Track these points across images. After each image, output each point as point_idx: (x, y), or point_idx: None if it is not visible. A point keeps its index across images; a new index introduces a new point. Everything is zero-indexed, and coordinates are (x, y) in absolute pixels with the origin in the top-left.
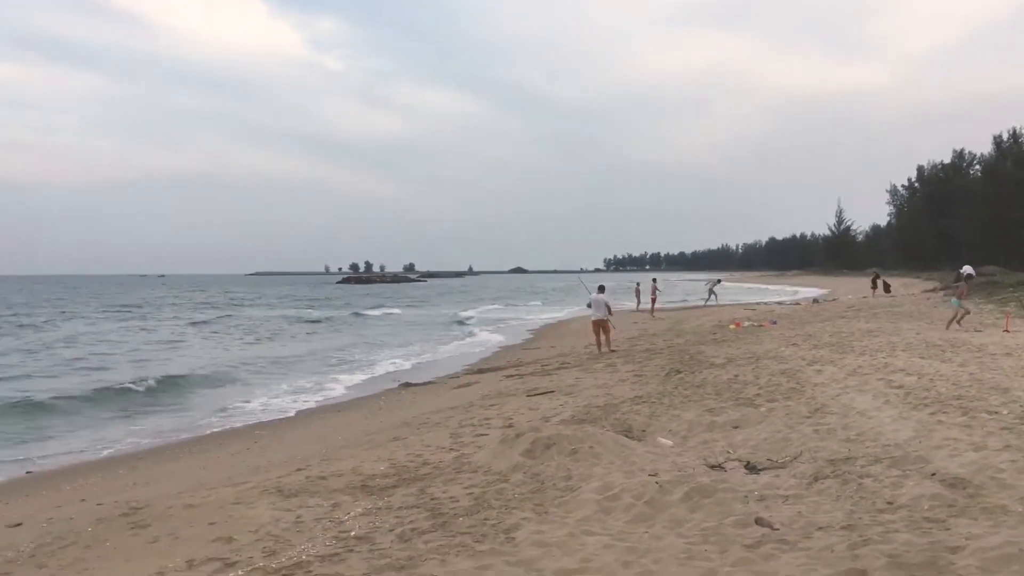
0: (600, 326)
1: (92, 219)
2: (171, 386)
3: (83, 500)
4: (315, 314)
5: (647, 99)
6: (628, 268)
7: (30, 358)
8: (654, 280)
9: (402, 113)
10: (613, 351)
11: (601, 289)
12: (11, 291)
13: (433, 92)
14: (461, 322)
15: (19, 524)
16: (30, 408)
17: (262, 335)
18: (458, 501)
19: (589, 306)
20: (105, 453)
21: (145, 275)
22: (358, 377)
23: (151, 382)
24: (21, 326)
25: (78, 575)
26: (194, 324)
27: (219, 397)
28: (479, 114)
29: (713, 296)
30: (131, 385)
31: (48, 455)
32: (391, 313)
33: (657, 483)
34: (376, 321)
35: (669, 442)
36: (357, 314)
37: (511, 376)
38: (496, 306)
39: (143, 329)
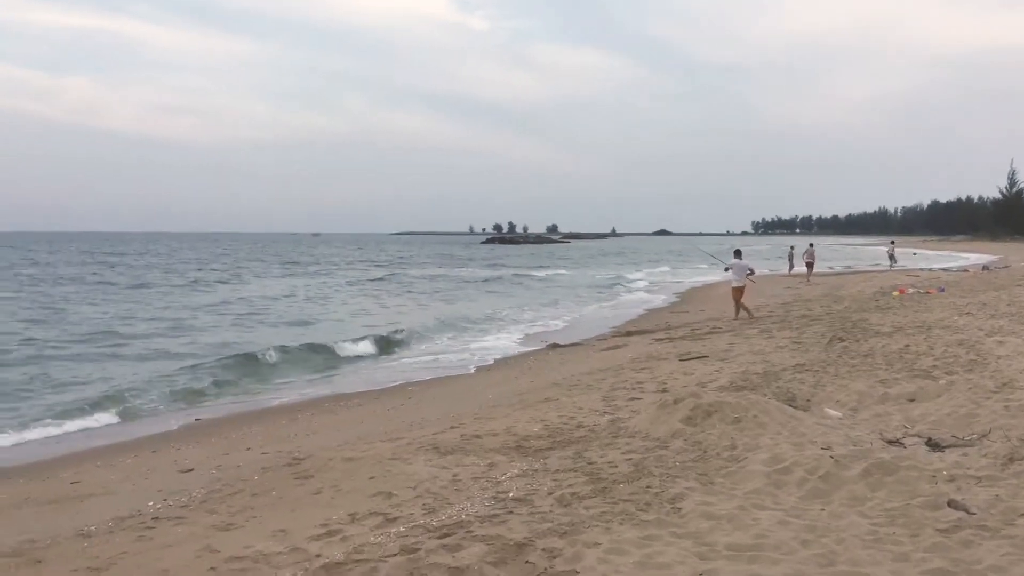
0: (740, 292)
1: (247, 179)
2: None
3: (248, 449)
4: (482, 273)
5: (797, 55)
6: (777, 232)
7: (247, 313)
8: (811, 245)
9: (546, 72)
10: (754, 318)
11: (738, 254)
12: (178, 248)
13: (577, 51)
14: (622, 284)
15: (191, 470)
16: (238, 361)
17: (439, 293)
18: (617, 467)
19: (727, 270)
20: (275, 403)
21: (296, 233)
22: (509, 337)
23: (362, 345)
24: (218, 282)
25: (247, 522)
26: (373, 281)
27: (395, 353)
28: (624, 73)
29: (893, 261)
30: (338, 344)
31: (221, 404)
32: (558, 274)
33: (832, 457)
34: (535, 283)
35: (838, 413)
36: (519, 275)
37: (660, 340)
38: (663, 268)
39: (334, 287)
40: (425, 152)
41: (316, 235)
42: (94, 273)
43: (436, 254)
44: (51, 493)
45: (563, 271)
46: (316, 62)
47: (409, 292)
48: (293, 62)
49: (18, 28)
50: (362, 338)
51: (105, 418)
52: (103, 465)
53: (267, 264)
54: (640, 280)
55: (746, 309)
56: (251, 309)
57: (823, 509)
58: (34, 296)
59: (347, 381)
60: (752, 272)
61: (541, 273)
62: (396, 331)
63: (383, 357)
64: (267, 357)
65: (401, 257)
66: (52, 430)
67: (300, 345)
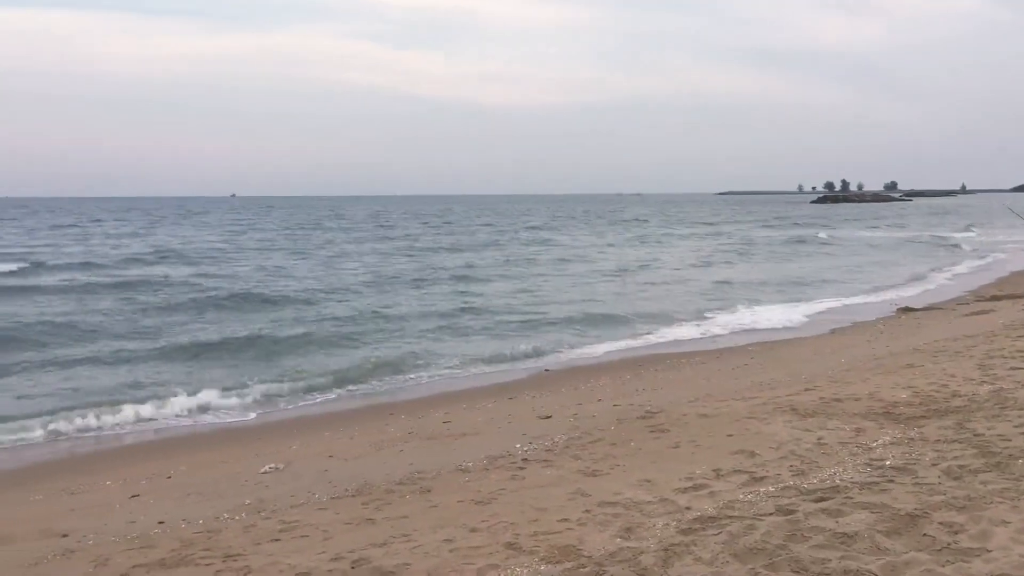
0: None
1: (569, 142)
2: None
3: (599, 400)
4: (822, 234)
5: None
6: None
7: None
8: None
9: (883, 16)
10: None
11: None
12: (529, 209)
13: None
14: (955, 244)
15: (549, 417)
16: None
17: (771, 254)
18: (1010, 440)
19: None
20: (617, 357)
21: (621, 193)
22: (847, 300)
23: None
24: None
25: (611, 470)
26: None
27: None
28: (981, 15)
29: None
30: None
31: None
32: (890, 236)
33: None
34: (869, 242)
35: None
36: (846, 235)
37: None
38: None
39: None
40: (748, 108)
41: (637, 195)
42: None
43: (765, 215)
44: (428, 430)
45: (900, 232)
46: (638, 23)
47: (740, 252)
48: (616, 24)
49: (381, 8)
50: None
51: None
52: (468, 408)
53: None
54: (986, 239)
55: None
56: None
57: None
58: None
59: (685, 338)
60: None
61: (874, 233)
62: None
63: (717, 316)
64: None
65: (724, 218)
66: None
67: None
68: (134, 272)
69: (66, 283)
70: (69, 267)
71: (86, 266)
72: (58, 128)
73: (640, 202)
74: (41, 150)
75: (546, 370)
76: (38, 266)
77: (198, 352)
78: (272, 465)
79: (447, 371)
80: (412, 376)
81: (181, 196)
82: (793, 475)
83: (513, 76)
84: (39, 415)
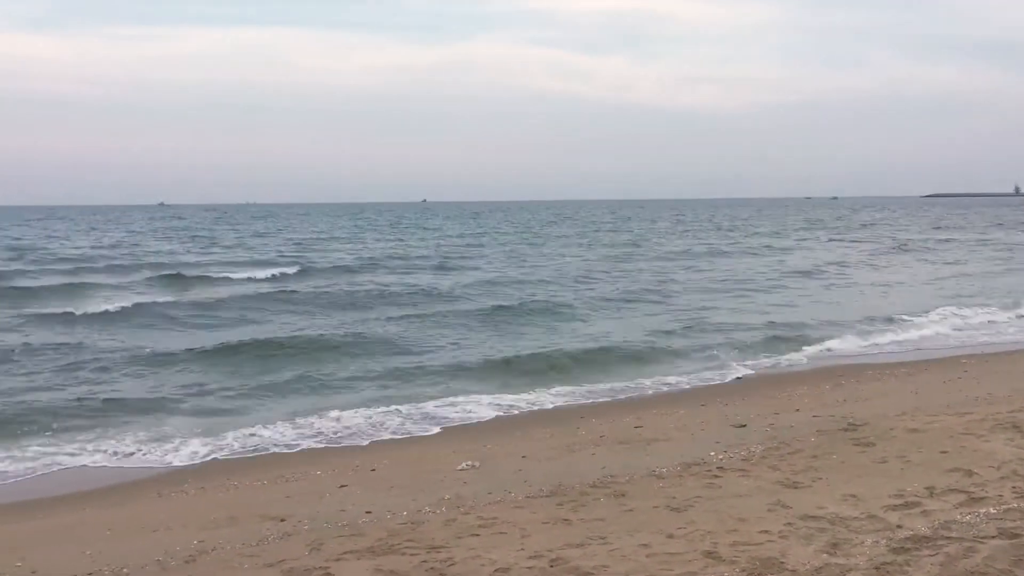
0: None
1: (764, 143)
2: None
3: (797, 410)
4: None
5: None
6: None
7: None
8: None
9: None
10: None
11: None
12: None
13: None
14: None
15: (743, 426)
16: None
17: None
18: None
19: None
20: (815, 366)
21: (809, 197)
22: None
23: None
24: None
25: (813, 483)
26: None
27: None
28: None
29: None
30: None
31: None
32: None
33: None
34: None
35: None
36: None
37: None
38: None
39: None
40: (956, 105)
41: (834, 199)
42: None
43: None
44: (620, 434)
45: None
46: (836, 18)
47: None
48: (813, 21)
49: (562, 16)
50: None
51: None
52: (659, 414)
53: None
54: None
55: None
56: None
57: None
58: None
59: (897, 346)
60: None
61: None
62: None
63: (932, 323)
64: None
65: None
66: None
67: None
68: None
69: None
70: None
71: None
72: (292, 140)
73: (836, 205)
74: (278, 160)
75: (738, 378)
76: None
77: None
78: (469, 463)
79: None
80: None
81: (376, 202)
82: (1017, 497)
83: (698, 77)
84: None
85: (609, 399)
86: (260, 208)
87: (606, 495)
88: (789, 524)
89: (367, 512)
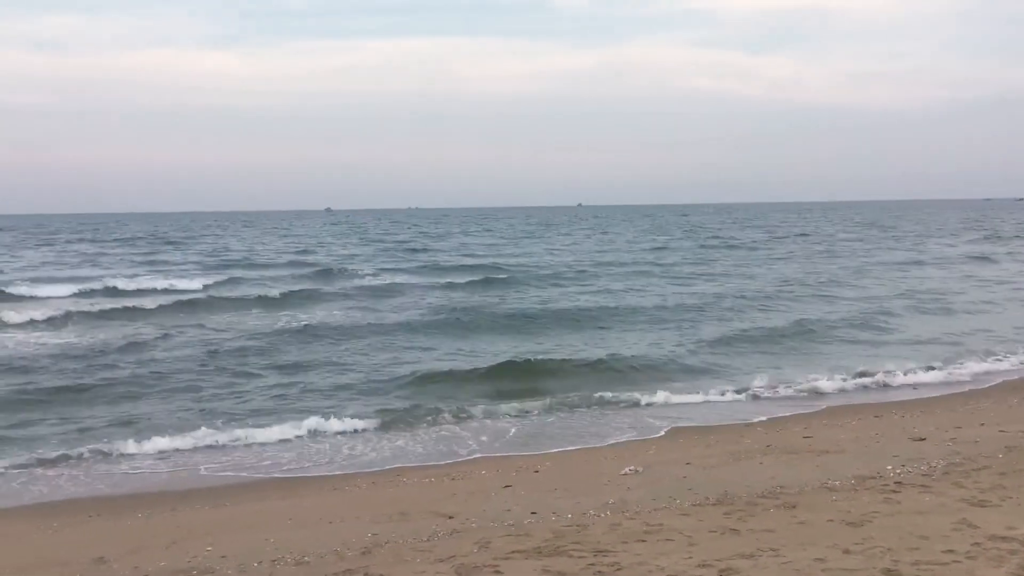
0: None
1: (933, 143)
2: None
3: (982, 424)
4: None
5: None
6: None
7: None
8: None
9: None
10: None
11: None
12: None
13: None
14: None
15: (923, 439)
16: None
17: None
18: None
19: None
20: (998, 380)
21: (990, 199)
22: None
23: None
24: None
25: (1002, 502)
26: None
27: None
28: None
29: None
30: None
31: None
32: None
33: None
34: None
35: None
36: None
37: None
38: None
39: None
40: None
41: (1020, 200)
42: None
43: None
44: (788, 444)
45: None
46: (1015, 8)
47: None
48: (997, 9)
49: (721, 15)
50: None
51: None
52: (829, 424)
53: None
54: None
55: None
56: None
57: None
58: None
59: None
60: None
61: None
62: None
63: None
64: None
65: None
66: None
67: None
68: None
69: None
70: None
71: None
72: (453, 146)
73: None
74: (436, 167)
75: (913, 387)
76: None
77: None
78: (632, 468)
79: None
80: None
81: (532, 206)
82: None
83: (868, 73)
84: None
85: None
86: (429, 212)
87: (776, 506)
88: (976, 544)
89: (532, 513)
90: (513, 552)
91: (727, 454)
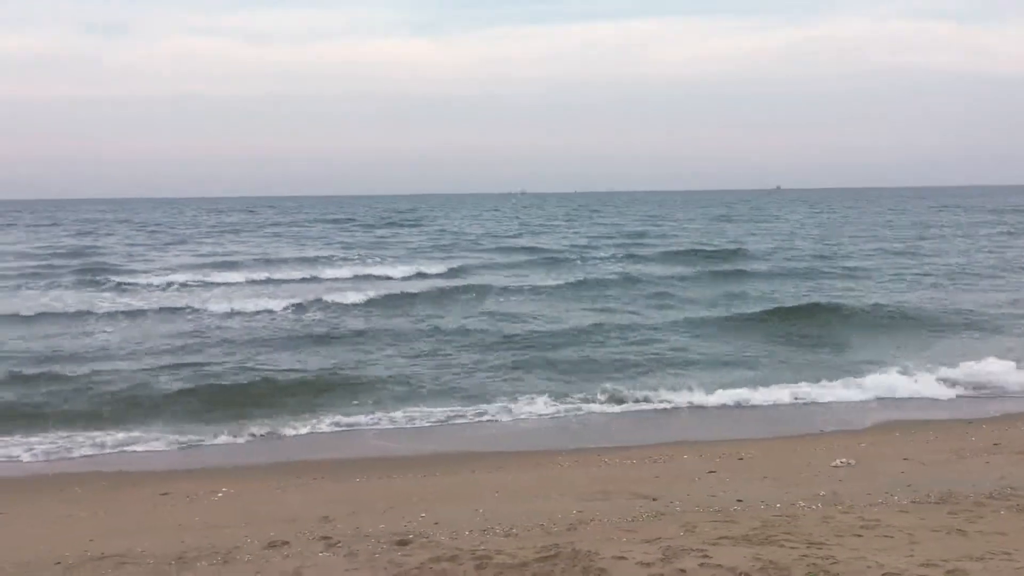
0: None
1: None
2: None
3: None
4: None
5: None
6: None
7: None
8: None
9: None
10: None
11: None
12: None
13: None
14: None
15: None
16: None
17: None
18: None
19: None
20: None
21: None
22: None
23: None
24: None
25: None
26: None
27: None
28: None
29: None
30: None
31: None
32: None
33: None
34: None
35: None
36: None
37: None
38: None
39: None
40: None
41: None
42: None
43: None
44: (1018, 443)
45: None
46: None
47: None
48: None
49: None
50: None
51: None
52: None
53: None
54: None
55: None
56: None
57: None
58: None
59: None
60: None
61: None
62: None
63: None
64: None
65: None
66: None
67: None
68: None
69: None
70: None
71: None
72: (641, 129)
73: None
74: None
75: None
76: None
77: None
78: (843, 460)
79: None
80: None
81: (731, 189)
82: None
83: None
84: None
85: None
86: (626, 196)
87: (1007, 508)
88: None
89: (738, 500)
90: (721, 538)
91: (949, 451)
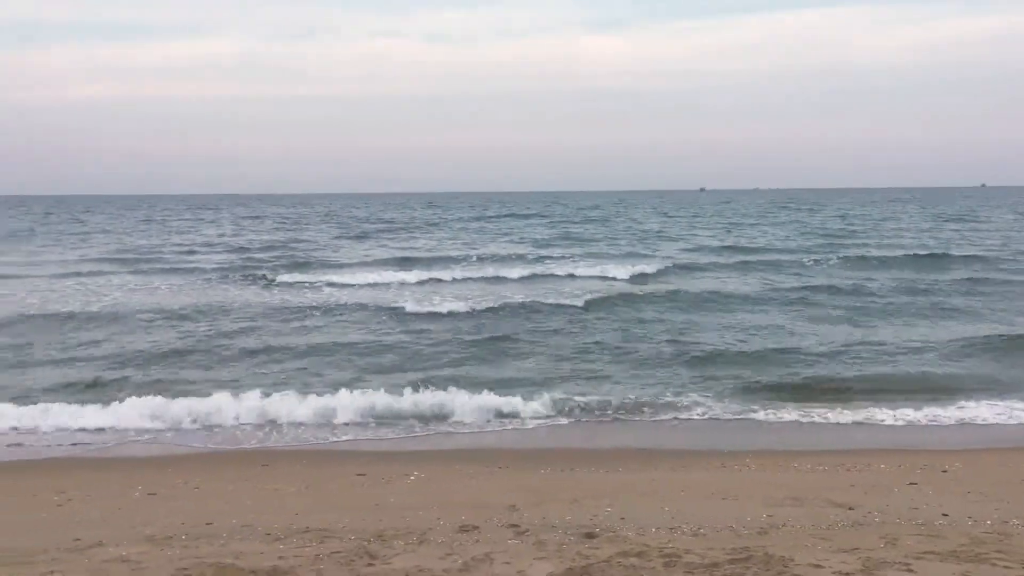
0: None
1: None
2: None
3: None
4: None
5: None
6: None
7: None
8: None
9: None
10: None
11: None
12: None
13: None
14: None
15: None
16: None
17: None
18: None
19: None
20: None
21: None
22: None
23: None
24: None
25: None
26: None
27: None
28: None
29: None
30: None
31: None
32: None
33: None
34: None
35: None
36: None
37: None
38: None
39: None
40: None
41: None
42: None
43: None
44: None
45: None
46: None
47: None
48: None
49: None
50: None
51: None
52: None
53: None
54: None
55: None
56: None
57: None
58: None
59: None
60: None
61: None
62: None
63: None
64: None
65: None
66: None
67: None
68: None
69: None
70: None
71: None
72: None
73: None
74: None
75: None
76: None
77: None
78: None
79: None
80: None
81: (919, 187)
82: None
83: None
84: None
85: None
86: (814, 193)
87: None
88: None
89: (943, 514)
90: (926, 552)
91: None
